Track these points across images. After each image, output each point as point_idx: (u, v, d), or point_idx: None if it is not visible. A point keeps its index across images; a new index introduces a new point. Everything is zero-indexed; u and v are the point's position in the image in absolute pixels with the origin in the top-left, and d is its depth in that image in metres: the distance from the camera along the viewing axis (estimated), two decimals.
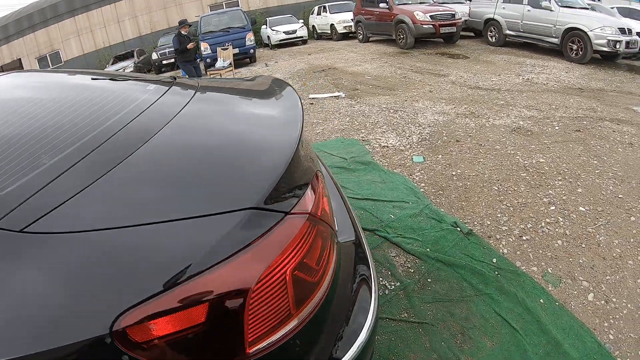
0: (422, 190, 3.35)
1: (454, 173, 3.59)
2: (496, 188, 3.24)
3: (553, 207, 2.90)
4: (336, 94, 7.19)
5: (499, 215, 2.86)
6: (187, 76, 12.04)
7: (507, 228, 2.71)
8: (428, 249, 2.53)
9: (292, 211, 0.93)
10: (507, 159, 3.77)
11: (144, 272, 0.77)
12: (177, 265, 0.77)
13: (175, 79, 1.86)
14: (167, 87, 1.52)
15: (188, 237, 0.81)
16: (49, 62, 22.83)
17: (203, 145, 1.14)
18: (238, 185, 0.95)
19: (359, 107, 6.22)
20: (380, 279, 2.36)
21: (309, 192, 1.04)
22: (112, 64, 19.00)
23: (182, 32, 8.93)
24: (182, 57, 9.02)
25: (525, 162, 3.69)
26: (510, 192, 3.16)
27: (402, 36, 11.25)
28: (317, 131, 5.37)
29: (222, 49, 9.90)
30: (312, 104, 6.85)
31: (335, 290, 1.08)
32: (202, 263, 0.78)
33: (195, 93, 1.47)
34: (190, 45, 8.91)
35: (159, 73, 16.20)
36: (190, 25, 9.57)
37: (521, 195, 3.10)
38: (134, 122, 1.19)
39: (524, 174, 3.44)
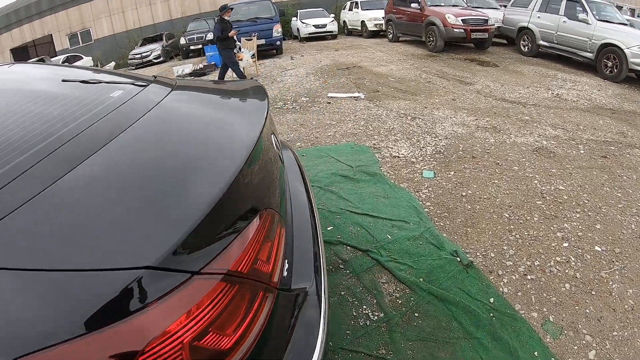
0: (426, 210, 3.16)
1: (464, 194, 3.38)
2: (507, 215, 3.02)
3: (566, 244, 2.67)
4: (356, 94, 7.00)
5: (505, 247, 2.64)
6: (217, 65, 11.90)
7: (511, 263, 2.50)
8: (421, 279, 2.35)
9: (203, 270, 0.78)
10: (524, 183, 3.53)
11: (17, 329, 0.65)
12: (52, 325, 0.66)
13: (153, 78, 1.74)
14: (118, 104, 1.38)
15: (69, 293, 0.69)
16: (80, 39, 23.04)
17: (126, 173, 1.00)
18: (143, 234, 0.81)
19: (377, 110, 6.02)
20: (364, 307, 2.20)
21: (240, 240, 0.90)
22: (141, 45, 19.09)
23: (225, 18, 8.37)
24: (223, 44, 8.38)
25: (543, 188, 3.44)
26: (522, 221, 2.94)
27: (431, 38, 10.93)
28: (329, 133, 5.20)
29: (246, 39, 9.74)
30: (329, 103, 6.68)
31: (263, 352, 0.92)
32: (81, 326, 0.66)
33: (151, 108, 1.34)
34: (232, 33, 8.40)
35: (185, 58, 16.23)
36: (232, 10, 9.13)
37: (533, 226, 2.87)
38: (65, 146, 1.05)
39: (540, 202, 3.20)
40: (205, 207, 0.85)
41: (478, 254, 2.59)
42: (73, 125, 1.15)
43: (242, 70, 8.73)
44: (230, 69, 8.60)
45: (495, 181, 3.58)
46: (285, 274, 1.11)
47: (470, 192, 3.41)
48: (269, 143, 1.39)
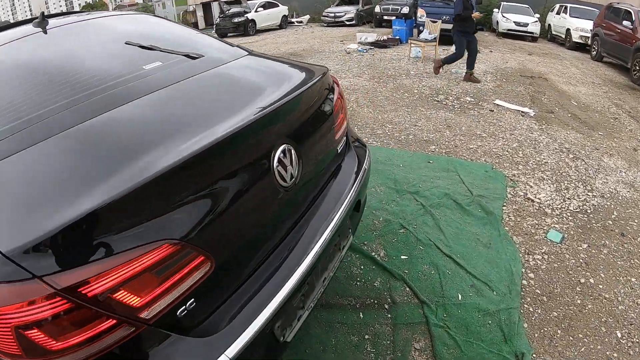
0: (524, 282, 2.49)
1: (583, 281, 2.58)
2: (619, 335, 2.20)
3: None
4: (525, 109, 5.96)
5: None
6: (401, 40, 11.23)
7: None
8: None
9: (44, 277, 0.79)
10: None
11: None
12: None
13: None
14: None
15: None
16: None
17: (49, 159, 1.02)
18: (26, 218, 0.85)
19: (538, 135, 5.04)
20: None
21: (100, 264, 0.84)
22: (337, 5, 18.99)
23: None
24: (459, 25, 6.92)
25: None
26: (633, 352, 2.10)
27: (637, 67, 8.51)
28: (471, 146, 4.53)
29: (431, 20, 8.90)
30: (492, 110, 5.84)
31: None
32: None
33: (168, 85, 1.33)
34: (475, 15, 6.84)
35: (377, 27, 15.68)
36: None
37: None
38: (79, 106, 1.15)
39: None
40: (82, 213, 0.83)
41: None
42: (68, 100, 1.18)
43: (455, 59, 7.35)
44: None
45: (633, 279, 2.65)
46: (183, 313, 0.99)
47: (592, 281, 2.59)
48: (260, 157, 1.20)
